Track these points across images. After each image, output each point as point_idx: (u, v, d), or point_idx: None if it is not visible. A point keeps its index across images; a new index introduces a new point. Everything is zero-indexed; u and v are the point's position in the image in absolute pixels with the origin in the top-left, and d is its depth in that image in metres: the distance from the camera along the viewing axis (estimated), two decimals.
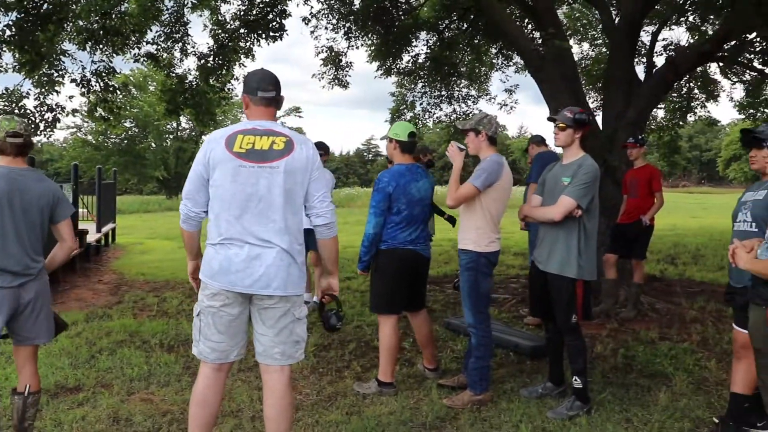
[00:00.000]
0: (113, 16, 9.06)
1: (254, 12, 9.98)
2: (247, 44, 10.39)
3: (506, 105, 14.06)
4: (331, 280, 3.57)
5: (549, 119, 4.71)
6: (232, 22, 10.29)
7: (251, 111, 3.35)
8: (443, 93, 12.86)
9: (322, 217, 3.31)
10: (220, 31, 10.26)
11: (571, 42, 13.96)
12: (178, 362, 5.54)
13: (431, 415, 4.42)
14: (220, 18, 10.29)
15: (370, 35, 11.15)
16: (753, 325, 3.39)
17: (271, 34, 10.09)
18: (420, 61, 11.84)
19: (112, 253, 13.64)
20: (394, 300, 4.90)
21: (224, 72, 10.63)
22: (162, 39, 9.99)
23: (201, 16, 10.33)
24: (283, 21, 10.05)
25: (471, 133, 4.67)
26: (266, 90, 3.30)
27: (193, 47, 10.26)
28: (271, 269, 3.15)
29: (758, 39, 10.17)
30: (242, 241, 3.16)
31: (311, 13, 10.85)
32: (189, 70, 10.76)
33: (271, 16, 10.01)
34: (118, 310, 7.71)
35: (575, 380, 4.48)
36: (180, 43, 10.11)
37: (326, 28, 11.22)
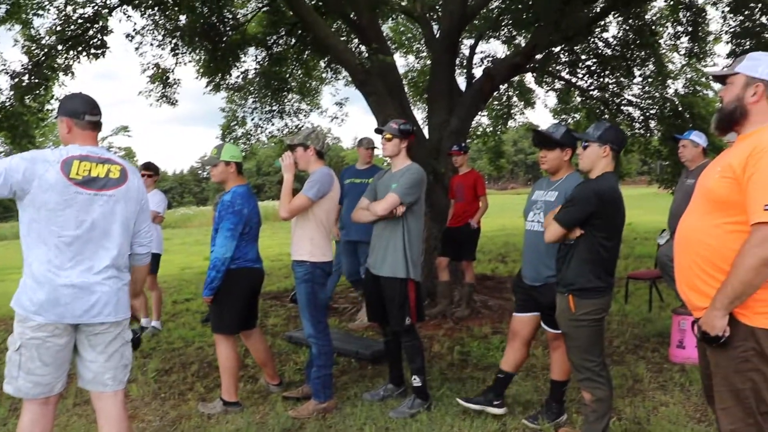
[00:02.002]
0: None
1: (72, 28, 9.50)
2: (66, 61, 9.86)
3: (337, 118, 14.38)
4: (133, 302, 3.56)
5: (376, 131, 4.90)
6: (47, 37, 9.73)
7: (75, 135, 3.23)
8: (274, 108, 12.86)
9: (145, 246, 3.43)
10: (34, 47, 9.67)
11: (397, 55, 14.49)
12: (2, 405, 5.07)
13: (277, 428, 4.46)
14: (33, 33, 9.69)
15: (197, 51, 10.96)
16: (560, 312, 3.76)
17: (93, 51, 9.65)
18: (250, 76, 11.79)
19: None
20: (239, 319, 4.88)
21: (42, 91, 10.01)
22: None
23: (10, 30, 9.67)
24: (105, 37, 9.65)
25: (299, 148, 4.75)
26: (93, 114, 3.26)
27: (5, 64, 9.59)
28: (102, 297, 3.12)
29: (564, 52, 11.08)
30: (73, 269, 3.07)
31: (135, 29, 10.52)
32: (1, 90, 10.04)
33: (91, 32, 9.58)
34: None
35: (414, 379, 4.69)
36: None
37: (152, 44, 10.92)
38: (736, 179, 2.51)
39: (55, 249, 3.06)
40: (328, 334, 4.79)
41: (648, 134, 12.95)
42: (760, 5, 8.36)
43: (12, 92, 9.51)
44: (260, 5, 11.29)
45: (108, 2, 9.26)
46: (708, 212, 2.66)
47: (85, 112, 3.23)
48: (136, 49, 10.88)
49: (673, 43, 11.45)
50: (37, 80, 9.45)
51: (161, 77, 11.39)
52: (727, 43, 9.67)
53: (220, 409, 4.82)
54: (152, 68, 11.31)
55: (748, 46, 9.25)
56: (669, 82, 12.30)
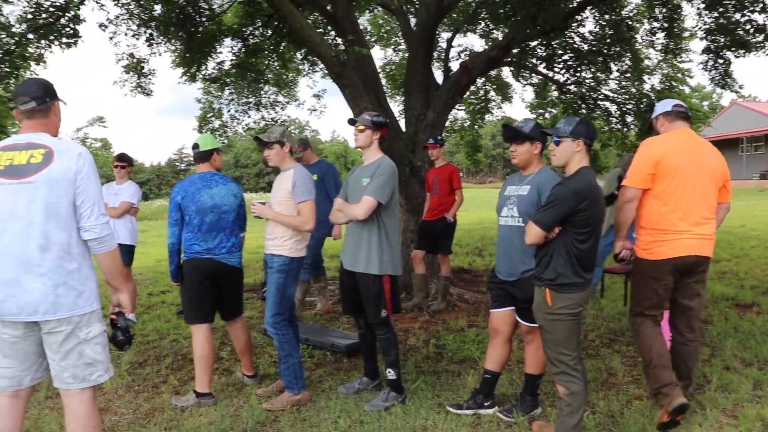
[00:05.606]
0: None
1: (43, 16, 9.34)
2: (38, 50, 9.70)
3: (315, 110, 14.32)
4: (120, 296, 3.39)
5: (349, 121, 4.89)
6: (18, 25, 9.56)
7: (22, 126, 3.16)
8: (251, 100, 12.77)
9: (89, 231, 3.08)
10: (4, 35, 9.49)
11: (376, 48, 14.44)
12: None
13: (251, 421, 4.44)
14: (3, 21, 9.52)
15: (173, 41, 10.84)
16: (536, 305, 3.76)
17: (65, 40, 9.50)
18: (226, 67, 11.68)
19: None
20: (199, 309, 4.87)
21: (13, 80, 9.83)
22: None
23: None
24: (77, 27, 9.50)
25: (276, 146, 4.78)
26: (24, 102, 3.12)
27: None
28: (34, 294, 2.97)
29: (541, 46, 11.10)
30: (1, 265, 2.97)
31: (108, 18, 10.36)
32: None
33: (63, 21, 9.43)
34: None
35: (389, 372, 4.68)
36: None
37: (126, 34, 10.77)
38: None
39: None
40: (285, 324, 4.75)
41: (625, 129, 13.03)
42: (734, 2, 8.43)
43: None
44: None
45: None
46: None
47: (17, 102, 3.12)
48: (111, 38, 10.73)
49: (649, 38, 11.53)
50: (8, 69, 9.27)
51: (136, 67, 11.25)
52: (702, 39, 9.76)
53: (193, 402, 4.78)
54: (127, 58, 11.17)
55: (722, 43, 9.34)
56: (645, 77, 12.37)
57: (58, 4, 9.24)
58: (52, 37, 9.29)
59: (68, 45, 9.41)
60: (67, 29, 9.31)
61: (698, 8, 9.67)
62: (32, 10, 9.25)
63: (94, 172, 3.12)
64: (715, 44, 9.39)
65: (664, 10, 10.39)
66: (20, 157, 3.01)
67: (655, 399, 4.25)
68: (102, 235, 3.11)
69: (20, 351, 3.09)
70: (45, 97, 3.16)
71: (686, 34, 11.15)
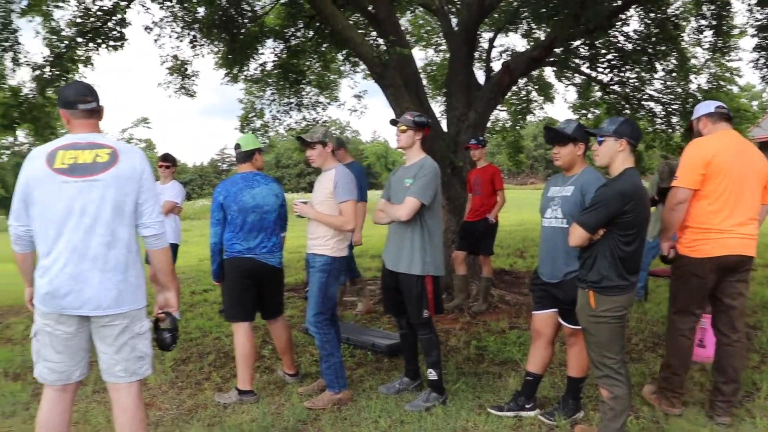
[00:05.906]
0: None
1: (92, 20, 9.55)
2: (86, 53, 9.92)
3: (356, 110, 14.36)
4: (168, 295, 3.47)
5: (391, 122, 4.89)
6: (68, 29, 9.79)
7: (73, 125, 3.21)
8: (292, 100, 12.88)
9: (150, 228, 3.22)
10: (55, 39, 9.74)
11: (416, 48, 14.41)
12: (25, 390, 5.23)
13: (293, 419, 4.47)
14: (54, 25, 9.76)
15: (216, 43, 11.00)
16: (579, 307, 3.72)
17: (112, 43, 9.70)
18: (268, 68, 11.79)
19: None
20: (240, 307, 4.91)
21: (63, 83, 10.07)
22: None
23: (31, 21, 9.73)
24: (123, 30, 9.70)
25: (318, 146, 4.79)
26: (85, 102, 3.18)
27: (27, 56, 9.65)
28: (99, 289, 3.05)
29: (584, 46, 10.96)
30: (67, 260, 3.03)
31: (153, 21, 10.58)
32: (24, 82, 10.09)
33: (110, 24, 9.63)
34: None
35: (430, 373, 4.67)
36: (11, 52, 9.46)
37: (170, 36, 10.97)
38: None
39: (50, 241, 3.07)
40: (327, 324, 4.75)
41: (670, 130, 12.79)
42: None
43: (34, 84, 9.59)
44: None
45: None
46: None
47: (76, 102, 3.16)
48: (155, 41, 10.94)
49: (696, 37, 11.30)
50: (58, 72, 9.51)
51: (180, 69, 11.44)
52: (753, 36, 9.53)
53: (235, 399, 4.84)
54: (171, 60, 11.36)
55: None
56: (692, 77, 12.13)
57: (105, 8, 9.46)
58: (99, 41, 9.52)
59: (115, 48, 9.64)
60: (114, 32, 9.55)
61: (749, 4, 9.45)
62: (81, 14, 9.47)
63: (151, 172, 3.25)
64: (767, 41, 9.15)
65: (713, 8, 10.17)
66: (84, 155, 3.09)
67: (657, 391, 4.58)
68: (161, 232, 3.27)
69: (72, 347, 3.16)
70: (99, 100, 3.26)
71: (735, 31, 10.89)
